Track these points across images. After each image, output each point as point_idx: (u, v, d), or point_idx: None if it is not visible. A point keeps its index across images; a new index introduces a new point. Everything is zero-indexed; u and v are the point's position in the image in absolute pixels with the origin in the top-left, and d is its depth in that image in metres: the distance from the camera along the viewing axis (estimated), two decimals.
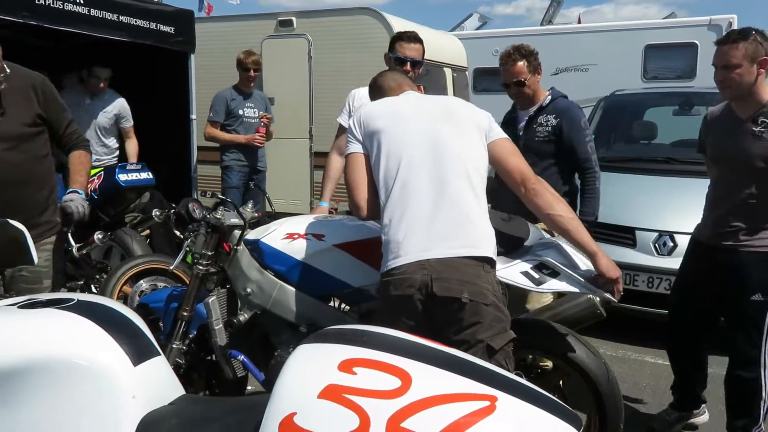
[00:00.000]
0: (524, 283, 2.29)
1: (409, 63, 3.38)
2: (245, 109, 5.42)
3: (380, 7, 7.15)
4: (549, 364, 2.62)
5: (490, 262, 2.04)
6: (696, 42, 8.83)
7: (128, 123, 5.20)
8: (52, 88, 2.83)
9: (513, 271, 2.32)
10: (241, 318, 2.61)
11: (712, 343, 3.06)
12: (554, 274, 2.32)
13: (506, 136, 2.30)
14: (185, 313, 2.71)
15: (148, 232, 4.93)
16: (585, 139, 3.49)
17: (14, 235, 1.83)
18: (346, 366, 1.14)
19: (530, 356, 2.64)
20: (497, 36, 10.17)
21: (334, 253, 2.52)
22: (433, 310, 1.97)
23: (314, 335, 1.27)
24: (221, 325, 2.66)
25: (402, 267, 1.98)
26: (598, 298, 2.61)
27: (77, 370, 1.34)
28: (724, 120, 2.81)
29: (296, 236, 2.55)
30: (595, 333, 3.60)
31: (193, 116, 5.57)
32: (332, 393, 1.10)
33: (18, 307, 1.51)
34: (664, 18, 11.01)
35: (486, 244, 2.04)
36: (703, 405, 3.17)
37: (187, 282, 3.60)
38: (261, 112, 5.45)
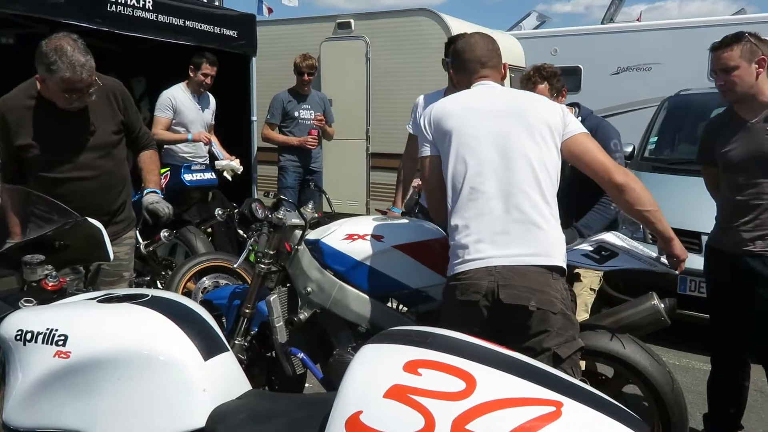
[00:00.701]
0: (588, 263, 2.33)
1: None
2: (301, 111, 5.52)
3: (436, 7, 7.15)
4: (610, 370, 2.57)
5: (559, 271, 2.00)
6: None
7: (213, 119, 5.33)
8: (127, 92, 2.97)
9: (575, 254, 2.36)
10: (301, 316, 2.66)
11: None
12: (613, 255, 2.39)
13: (584, 130, 2.19)
14: (247, 311, 2.78)
15: (210, 230, 5.08)
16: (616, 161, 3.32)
17: (92, 233, 1.92)
18: (411, 367, 1.16)
19: (591, 362, 2.60)
20: (556, 35, 10.00)
21: (393, 254, 2.55)
22: (498, 317, 1.94)
23: (379, 335, 1.30)
24: (282, 323, 2.73)
25: (468, 272, 1.97)
26: (662, 305, 2.56)
27: (152, 362, 1.41)
28: (732, 126, 2.74)
29: (356, 237, 2.58)
30: (659, 341, 3.50)
31: (254, 118, 5.71)
32: (398, 393, 1.12)
33: (97, 301, 1.60)
34: (732, 15, 10.59)
35: (556, 253, 2.00)
36: None
37: (248, 280, 3.70)
38: (317, 114, 5.53)
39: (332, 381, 2.63)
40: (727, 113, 2.81)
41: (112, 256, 1.96)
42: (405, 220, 2.75)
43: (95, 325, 1.49)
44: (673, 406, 2.40)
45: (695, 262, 4.14)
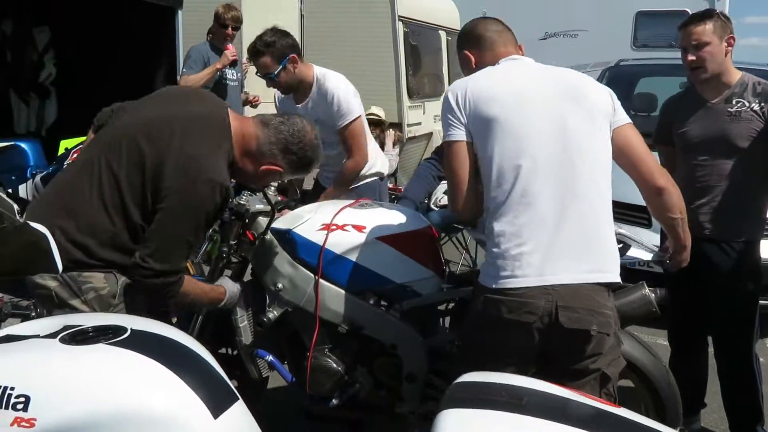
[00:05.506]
0: None
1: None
2: (225, 71, 4.88)
3: None
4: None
5: (613, 286, 1.83)
6: (688, 10, 8.65)
7: None
8: None
9: None
10: (271, 316, 2.37)
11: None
12: (627, 247, 2.33)
13: (629, 120, 1.93)
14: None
15: None
16: None
17: (34, 240, 1.52)
18: None
19: None
20: None
21: (376, 246, 2.29)
22: (552, 341, 1.74)
23: (456, 393, 1.04)
24: (246, 322, 2.43)
25: (521, 289, 1.72)
26: (653, 295, 2.47)
27: (146, 429, 1.09)
28: (692, 106, 2.72)
29: (334, 227, 2.30)
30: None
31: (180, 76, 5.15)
32: None
33: (59, 340, 1.23)
34: None
35: (614, 267, 1.80)
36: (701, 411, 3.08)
37: (192, 271, 3.34)
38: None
39: (309, 385, 2.37)
40: (688, 93, 2.78)
41: (60, 268, 1.57)
42: (387, 209, 2.48)
43: (65, 380, 1.12)
44: (669, 401, 2.33)
45: (645, 235, 4.17)
